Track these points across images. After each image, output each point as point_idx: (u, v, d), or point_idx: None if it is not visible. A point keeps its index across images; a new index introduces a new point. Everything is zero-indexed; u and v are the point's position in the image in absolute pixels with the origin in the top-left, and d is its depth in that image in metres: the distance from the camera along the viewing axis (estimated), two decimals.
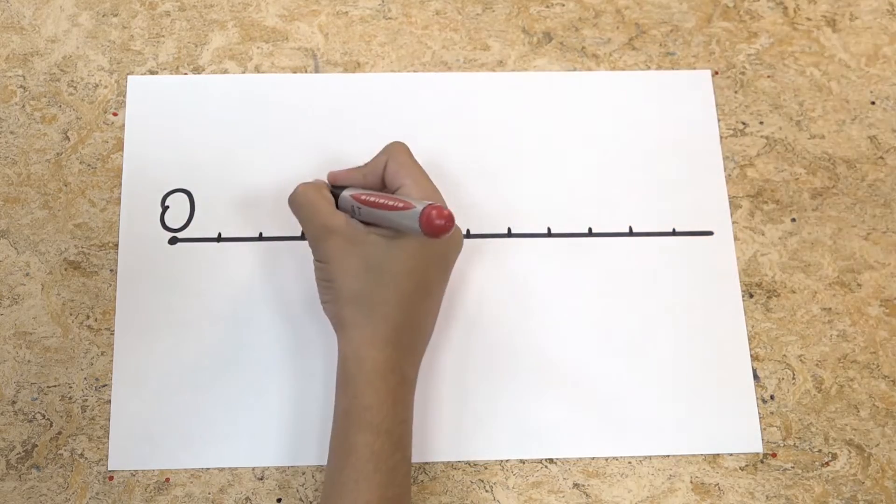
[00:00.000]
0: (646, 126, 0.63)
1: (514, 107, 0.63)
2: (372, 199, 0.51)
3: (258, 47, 0.63)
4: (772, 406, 0.57)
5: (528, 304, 0.59)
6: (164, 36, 0.63)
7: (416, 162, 0.54)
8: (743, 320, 0.59)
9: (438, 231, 0.46)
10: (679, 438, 0.56)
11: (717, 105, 0.63)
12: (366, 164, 0.55)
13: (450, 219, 0.46)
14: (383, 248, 0.50)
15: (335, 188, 0.55)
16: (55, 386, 0.56)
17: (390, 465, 0.49)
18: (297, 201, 0.53)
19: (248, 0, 0.65)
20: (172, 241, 0.59)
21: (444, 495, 0.55)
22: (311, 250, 0.53)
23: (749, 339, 0.58)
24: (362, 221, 0.51)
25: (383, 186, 0.54)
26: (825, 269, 0.60)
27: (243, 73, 0.63)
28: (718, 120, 0.63)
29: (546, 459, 0.56)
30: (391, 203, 0.49)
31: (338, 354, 0.52)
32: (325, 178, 0.57)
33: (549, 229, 0.60)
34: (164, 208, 0.60)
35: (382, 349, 0.50)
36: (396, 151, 0.54)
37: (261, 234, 0.59)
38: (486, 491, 0.55)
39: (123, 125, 0.61)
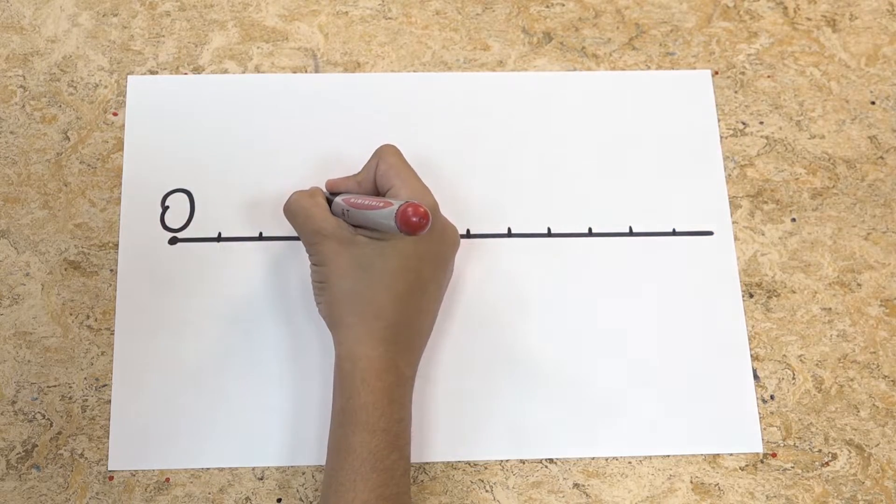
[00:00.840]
0: (646, 126, 0.63)
1: (514, 107, 0.63)
2: (358, 201, 0.51)
3: (258, 47, 0.63)
4: (772, 406, 0.57)
5: (527, 303, 0.59)
6: (164, 36, 0.63)
7: (405, 163, 0.54)
8: (743, 320, 0.59)
9: (414, 228, 0.46)
10: (679, 438, 0.56)
11: (717, 105, 0.63)
12: (359, 171, 0.56)
13: (424, 216, 0.46)
14: (372, 248, 0.51)
15: (332, 195, 0.55)
16: (55, 386, 0.56)
17: (387, 465, 0.49)
18: (291, 209, 0.54)
19: (248, 0, 0.65)
20: (172, 241, 0.59)
21: (444, 495, 0.55)
22: (307, 255, 0.54)
23: (749, 339, 0.58)
24: (352, 224, 0.52)
25: (377, 190, 0.54)
26: (825, 269, 0.60)
27: (243, 73, 0.63)
28: (718, 120, 0.63)
29: (546, 459, 0.56)
30: (372, 203, 0.50)
31: (334, 354, 0.52)
32: (321, 184, 0.58)
33: (549, 229, 0.60)
34: (164, 208, 0.60)
35: (375, 347, 0.50)
36: (386, 153, 0.54)
37: (261, 233, 0.59)
38: (486, 491, 0.55)
39: (123, 125, 0.61)
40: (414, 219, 0.46)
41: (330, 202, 0.54)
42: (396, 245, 0.51)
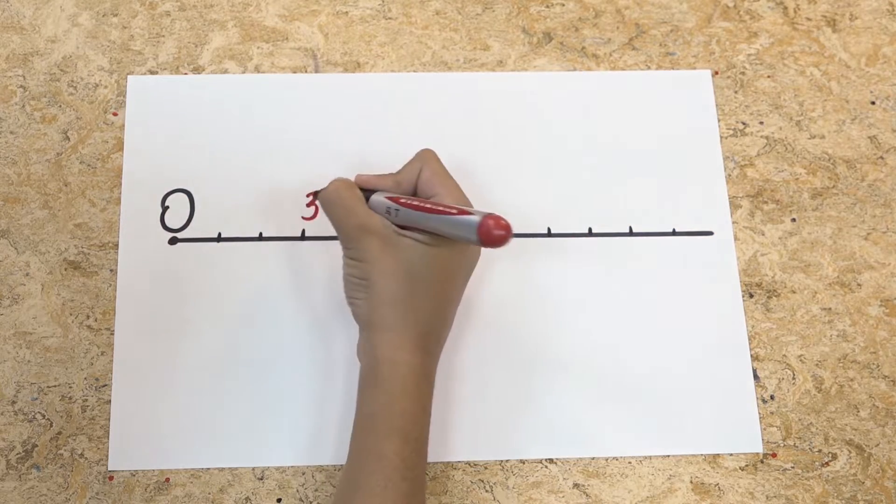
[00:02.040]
0: (646, 126, 0.63)
1: (514, 107, 0.63)
2: (417, 202, 0.50)
3: (258, 47, 0.63)
4: (772, 406, 0.57)
5: (527, 304, 0.58)
6: (164, 36, 0.63)
7: (447, 171, 0.53)
8: (743, 320, 0.59)
9: (496, 241, 0.45)
10: (679, 438, 0.56)
11: (717, 105, 0.63)
12: (399, 171, 0.54)
13: (507, 229, 0.45)
14: (420, 254, 0.50)
15: (364, 191, 0.53)
16: (55, 386, 0.56)
17: (416, 473, 0.48)
18: (331, 199, 0.52)
19: (248, 0, 0.65)
20: (172, 241, 0.59)
21: (444, 495, 0.55)
22: (342, 247, 0.52)
23: (749, 339, 0.58)
24: (398, 224, 0.51)
25: (415, 194, 0.53)
26: (825, 269, 0.60)
27: (243, 73, 0.63)
28: (718, 120, 0.63)
29: (546, 459, 0.56)
30: (443, 208, 0.49)
31: (363, 356, 0.51)
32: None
33: (549, 229, 0.60)
34: (164, 208, 0.60)
35: (417, 355, 0.50)
36: (430, 159, 0.53)
37: (261, 234, 0.59)
38: (486, 491, 0.55)
39: (123, 125, 0.61)
40: (496, 232, 0.45)
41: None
42: (442, 252, 0.50)
